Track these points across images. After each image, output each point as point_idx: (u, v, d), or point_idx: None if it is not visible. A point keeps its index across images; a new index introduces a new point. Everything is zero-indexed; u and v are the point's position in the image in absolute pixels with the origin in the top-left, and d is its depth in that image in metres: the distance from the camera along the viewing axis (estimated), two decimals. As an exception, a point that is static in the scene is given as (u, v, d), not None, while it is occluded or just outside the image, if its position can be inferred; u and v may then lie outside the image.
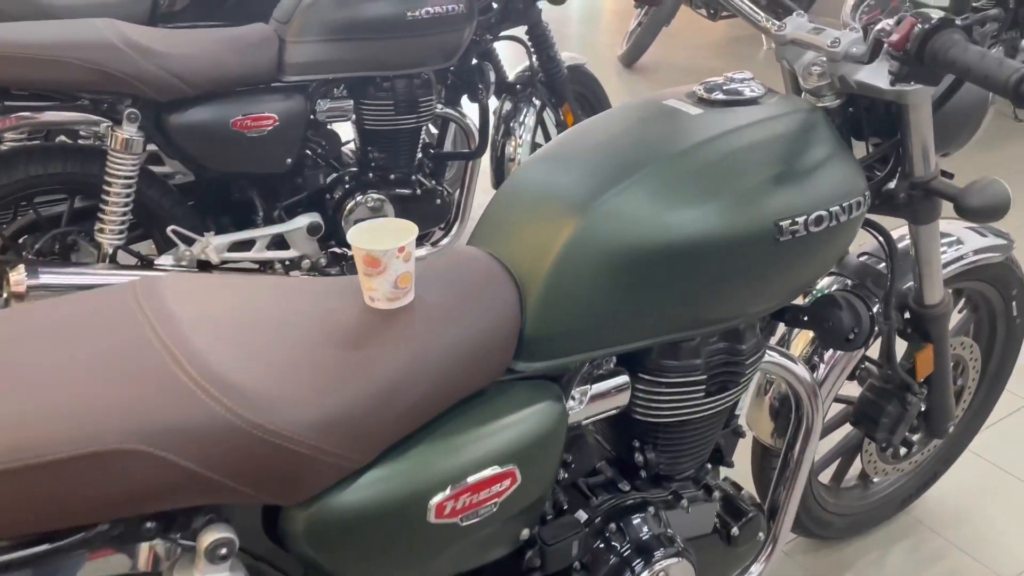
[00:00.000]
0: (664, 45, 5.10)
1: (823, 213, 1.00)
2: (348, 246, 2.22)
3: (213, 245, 1.95)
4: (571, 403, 1.03)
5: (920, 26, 0.89)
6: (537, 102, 2.51)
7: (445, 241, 2.41)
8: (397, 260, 0.89)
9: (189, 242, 1.96)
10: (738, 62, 4.97)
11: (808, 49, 1.15)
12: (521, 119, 2.51)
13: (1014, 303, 1.62)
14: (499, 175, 2.55)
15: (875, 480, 1.72)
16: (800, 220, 0.98)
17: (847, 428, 1.65)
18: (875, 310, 1.23)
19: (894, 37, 0.91)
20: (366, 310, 0.90)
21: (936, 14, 0.90)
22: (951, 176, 1.24)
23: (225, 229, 2.10)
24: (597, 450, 1.19)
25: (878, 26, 1.00)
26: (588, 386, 1.04)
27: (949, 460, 1.80)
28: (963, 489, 1.87)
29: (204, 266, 1.98)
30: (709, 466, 1.25)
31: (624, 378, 1.07)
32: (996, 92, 0.81)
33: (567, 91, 2.50)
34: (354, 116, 2.15)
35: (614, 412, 1.08)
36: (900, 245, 1.39)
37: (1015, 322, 1.66)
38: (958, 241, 1.47)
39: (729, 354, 1.11)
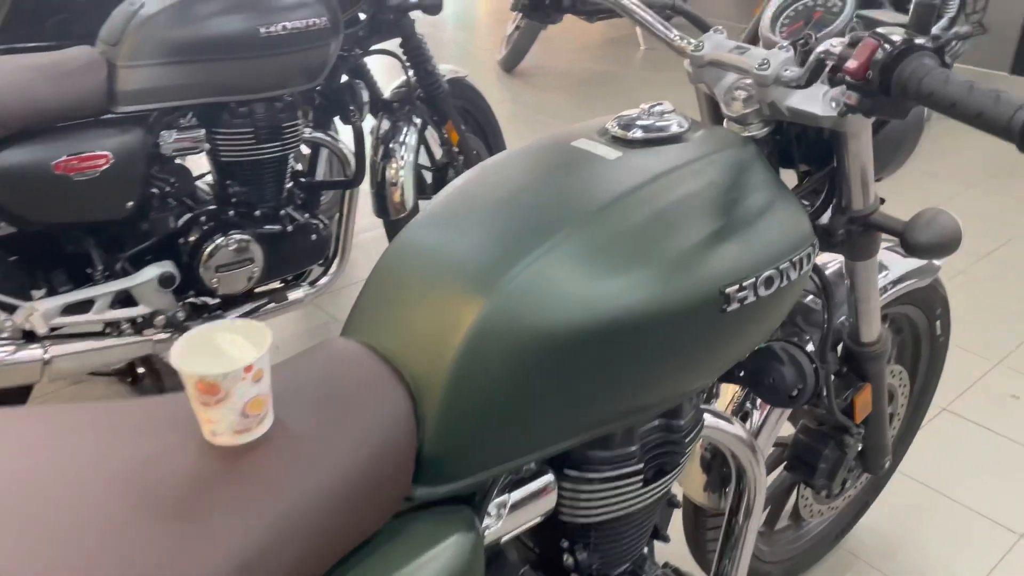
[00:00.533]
0: (543, 48, 4.97)
1: (773, 272, 0.84)
2: (210, 293, 1.95)
3: (41, 311, 1.64)
4: (488, 520, 0.83)
5: (883, 49, 0.73)
6: (418, 120, 2.29)
7: (324, 280, 2.16)
8: (244, 383, 0.66)
9: (11, 309, 1.64)
10: (617, 63, 4.89)
11: (731, 71, 0.99)
12: (401, 139, 2.29)
13: (938, 322, 1.54)
14: (381, 201, 2.31)
15: (809, 520, 1.60)
16: (748, 284, 0.82)
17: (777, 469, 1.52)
18: (814, 357, 1.09)
19: (851, 64, 0.75)
20: (204, 450, 0.67)
21: (893, 33, 0.75)
22: (882, 201, 1.12)
23: (60, 288, 1.78)
24: (521, 555, 1.00)
25: (820, 47, 0.84)
26: (507, 495, 0.84)
27: (879, 487, 1.71)
28: (892, 513, 1.79)
29: (31, 337, 1.67)
30: (645, 549, 1.08)
31: (548, 478, 0.87)
32: (992, 133, 0.67)
33: (449, 107, 2.29)
34: (207, 147, 1.87)
35: (539, 520, 0.89)
36: (827, 272, 1.26)
37: (939, 341, 1.58)
38: (883, 267, 1.36)
39: (666, 432, 0.94)
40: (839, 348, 1.29)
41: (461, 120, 2.41)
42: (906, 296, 1.41)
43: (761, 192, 0.87)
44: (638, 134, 0.89)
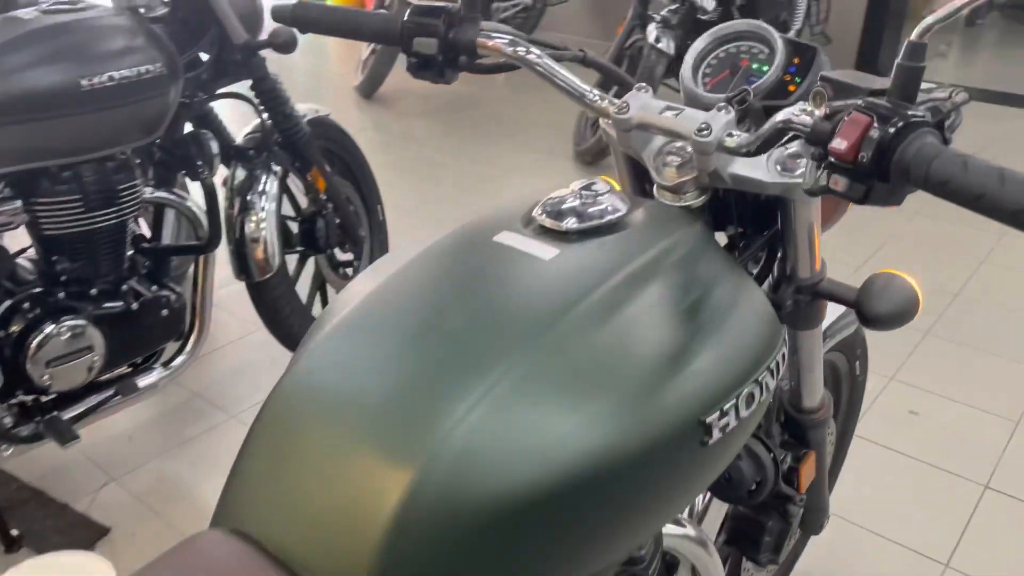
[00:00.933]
0: (402, 71, 4.78)
1: (752, 387, 0.70)
2: (42, 391, 1.65)
3: None
4: None
5: (878, 128, 0.61)
6: (277, 168, 2.05)
7: (181, 359, 1.88)
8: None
9: None
10: (479, 84, 4.77)
11: (664, 136, 0.85)
12: (260, 189, 2.04)
13: (858, 363, 1.48)
14: (241, 260, 2.06)
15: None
16: (729, 407, 0.67)
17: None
18: (771, 445, 0.97)
19: (839, 144, 0.62)
20: None
21: (874, 101, 0.62)
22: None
23: None
24: None
25: (780, 116, 0.71)
26: None
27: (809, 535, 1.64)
28: (820, 556, 1.72)
29: None
30: None
31: None
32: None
33: (312, 151, 2.07)
34: (26, 220, 1.58)
35: None
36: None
37: (858, 380, 1.52)
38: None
39: (629, 565, 0.79)
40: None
41: (327, 163, 2.19)
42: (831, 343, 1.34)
43: (723, 283, 0.73)
44: (572, 224, 0.73)
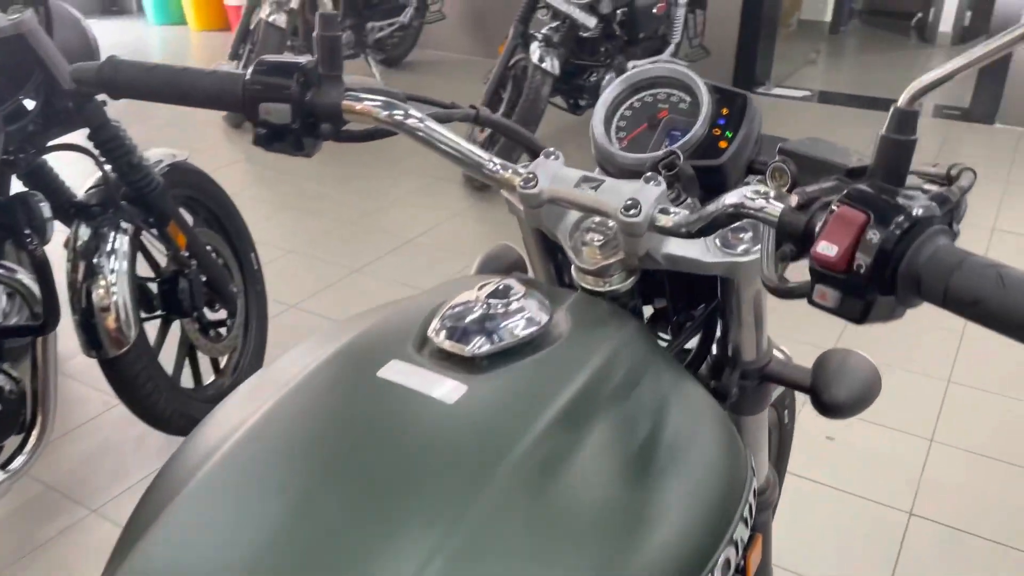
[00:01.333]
0: (273, 97, 4.50)
1: (728, 551, 0.55)
2: None
3: None
4: None
5: (877, 229, 0.46)
6: (127, 225, 1.80)
7: (22, 459, 1.60)
8: None
9: None
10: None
11: (584, 212, 0.70)
12: (108, 249, 1.78)
13: (786, 412, 1.38)
14: (90, 334, 1.78)
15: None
16: (708, 570, 0.52)
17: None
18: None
19: (828, 250, 0.47)
20: None
21: (840, 183, 0.48)
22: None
23: None
24: None
25: (730, 199, 0.56)
26: None
27: (742, 593, 1.53)
28: (754, 611, 1.62)
29: None
30: None
31: None
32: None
33: (168, 203, 1.83)
34: None
35: None
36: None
37: (787, 427, 1.42)
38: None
39: None
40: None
41: (189, 213, 1.95)
42: (762, 400, 1.23)
43: (675, 407, 0.58)
44: (483, 346, 0.57)
